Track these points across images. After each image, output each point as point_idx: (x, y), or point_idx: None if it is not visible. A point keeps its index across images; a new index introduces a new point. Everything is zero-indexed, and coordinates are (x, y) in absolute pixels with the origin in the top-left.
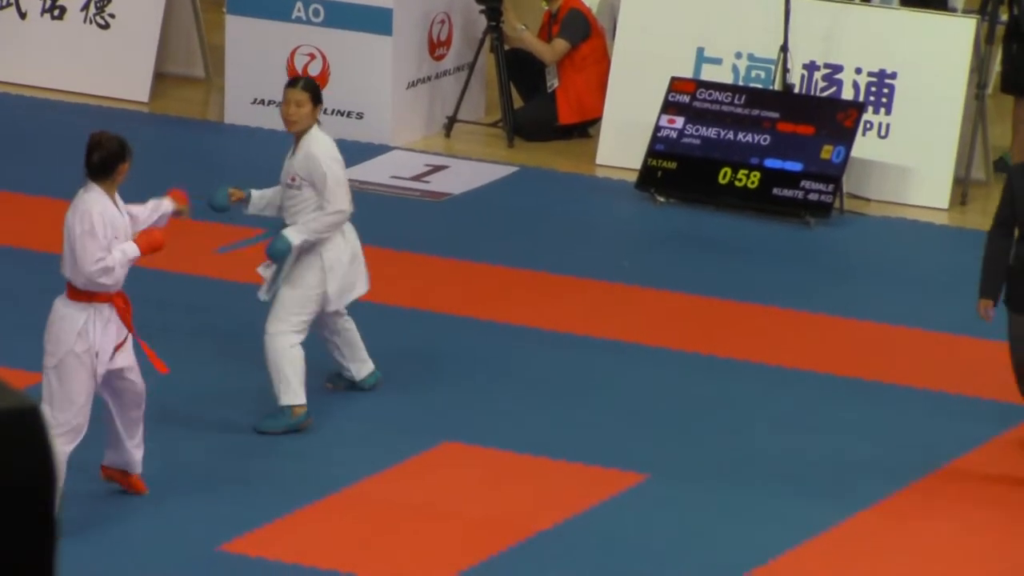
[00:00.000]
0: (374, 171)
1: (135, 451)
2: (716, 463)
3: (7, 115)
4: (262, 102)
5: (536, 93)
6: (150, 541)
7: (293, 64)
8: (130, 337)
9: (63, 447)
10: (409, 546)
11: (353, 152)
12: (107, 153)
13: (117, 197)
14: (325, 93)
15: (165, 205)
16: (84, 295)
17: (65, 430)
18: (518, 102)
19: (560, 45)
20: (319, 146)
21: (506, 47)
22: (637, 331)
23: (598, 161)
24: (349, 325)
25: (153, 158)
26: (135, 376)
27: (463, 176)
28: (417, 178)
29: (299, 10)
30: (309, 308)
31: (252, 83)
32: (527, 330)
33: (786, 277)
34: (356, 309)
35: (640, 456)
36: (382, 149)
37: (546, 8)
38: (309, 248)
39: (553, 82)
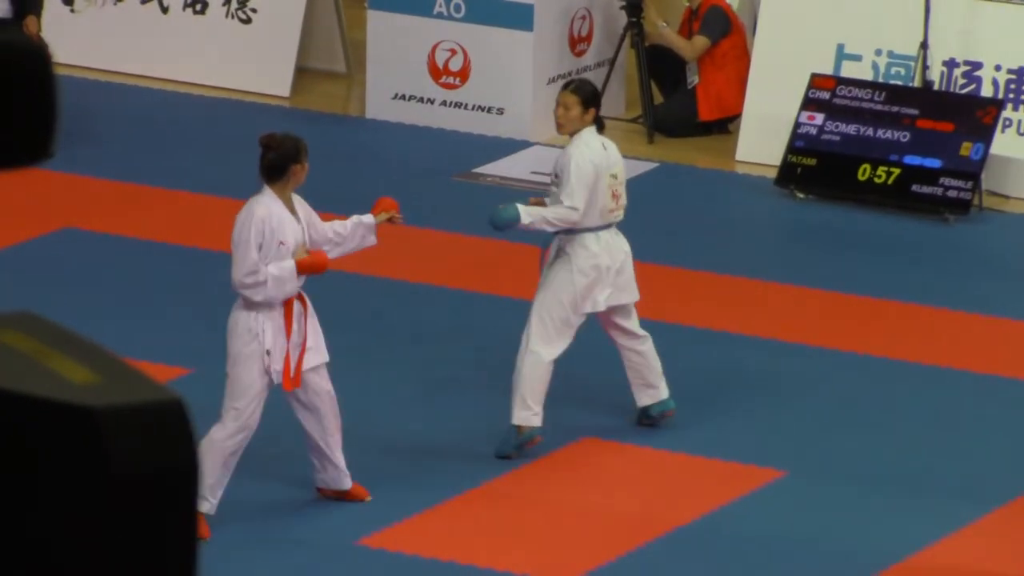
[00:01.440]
0: (514, 167)
1: (338, 464)
2: (854, 460)
3: (149, 109)
4: (403, 97)
5: (676, 89)
6: (290, 534)
7: (434, 59)
8: (319, 342)
9: (229, 440)
10: (548, 541)
11: (493, 148)
12: (279, 155)
13: (298, 200)
14: (465, 89)
15: (366, 222)
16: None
17: (236, 428)
18: (658, 98)
19: (700, 42)
20: (578, 147)
21: (646, 43)
22: (775, 327)
23: (738, 157)
24: (640, 347)
25: None
26: (321, 380)
27: None
28: None
29: (440, 5)
30: (563, 316)
31: (393, 78)
32: (666, 326)
33: (925, 274)
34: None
35: (778, 453)
36: (522, 144)
37: (687, 4)
38: (561, 254)
39: (693, 78)
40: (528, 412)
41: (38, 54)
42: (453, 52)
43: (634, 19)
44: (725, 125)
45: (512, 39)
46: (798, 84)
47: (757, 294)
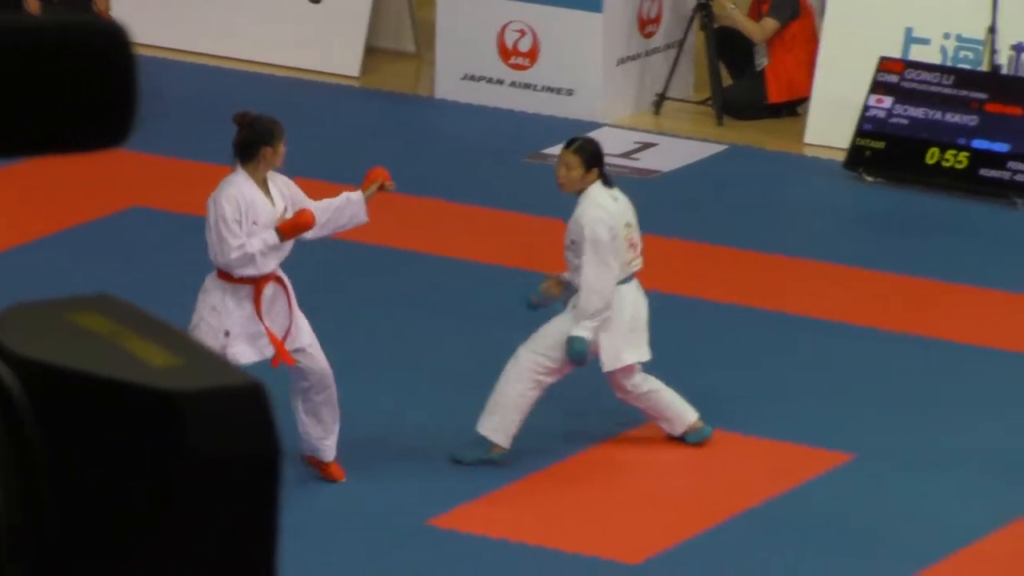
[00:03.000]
0: None
1: (325, 439)
2: (922, 443)
3: (217, 88)
4: (472, 78)
5: (745, 71)
6: (361, 514)
7: (503, 40)
8: (300, 322)
9: None
10: (616, 523)
11: (563, 129)
12: (250, 134)
13: (276, 178)
14: (534, 70)
15: (353, 199)
16: (225, 275)
17: None
18: (727, 80)
19: (769, 24)
20: (588, 209)
21: (715, 25)
22: (844, 310)
23: (806, 140)
24: (645, 388)
25: (363, 132)
26: (309, 361)
27: (672, 154)
28: (627, 155)
29: None
30: (558, 355)
31: (462, 59)
32: (735, 308)
33: (992, 257)
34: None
35: (847, 436)
36: (592, 126)
37: None
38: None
39: (762, 61)
40: (497, 430)
41: (118, 35)
42: (522, 33)
43: (703, 1)
44: (794, 108)
45: (581, 20)
46: (866, 67)
47: (825, 276)
